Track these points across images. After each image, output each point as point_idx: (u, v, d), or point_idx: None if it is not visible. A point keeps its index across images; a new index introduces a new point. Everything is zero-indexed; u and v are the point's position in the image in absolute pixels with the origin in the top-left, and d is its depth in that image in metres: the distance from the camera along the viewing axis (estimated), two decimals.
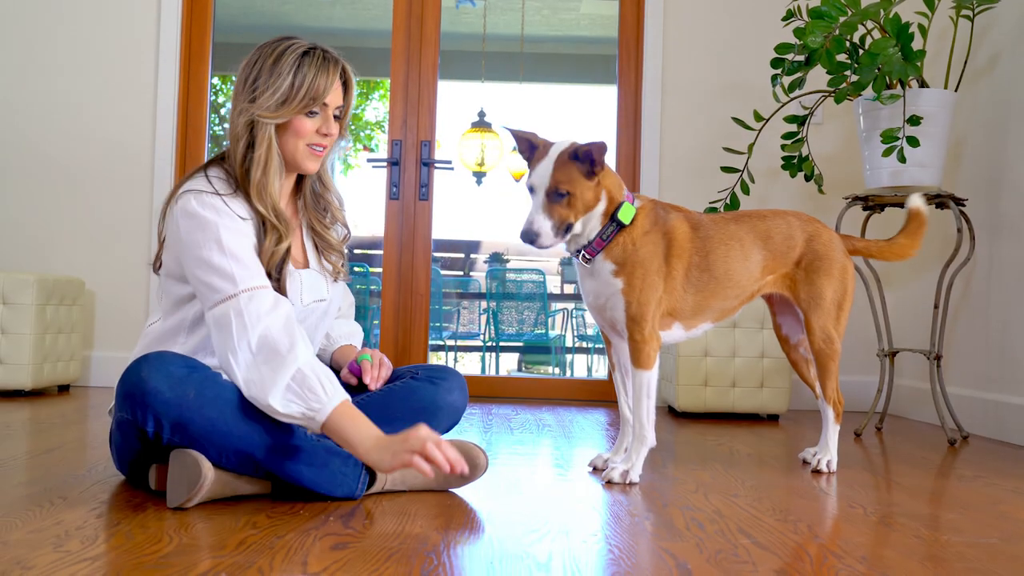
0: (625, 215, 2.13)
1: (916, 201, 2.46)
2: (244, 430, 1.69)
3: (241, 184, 1.84)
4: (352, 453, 1.73)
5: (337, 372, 2.10)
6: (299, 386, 1.67)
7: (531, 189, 2.09)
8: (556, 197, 2.05)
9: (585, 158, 2.05)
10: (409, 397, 1.95)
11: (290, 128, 1.84)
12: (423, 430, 1.69)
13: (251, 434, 1.69)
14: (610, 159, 4.19)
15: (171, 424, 1.66)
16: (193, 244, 1.76)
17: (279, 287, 1.83)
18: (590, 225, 2.13)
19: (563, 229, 2.07)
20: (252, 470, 1.73)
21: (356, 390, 2.02)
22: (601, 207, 2.12)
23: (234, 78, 1.91)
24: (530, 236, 2.04)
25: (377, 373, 2.01)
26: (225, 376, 1.75)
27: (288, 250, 1.85)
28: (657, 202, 2.23)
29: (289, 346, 1.69)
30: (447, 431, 2.05)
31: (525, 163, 2.16)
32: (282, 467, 1.72)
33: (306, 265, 1.96)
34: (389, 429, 1.90)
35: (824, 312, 2.30)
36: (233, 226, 1.77)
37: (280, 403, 1.66)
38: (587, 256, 2.15)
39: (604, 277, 2.15)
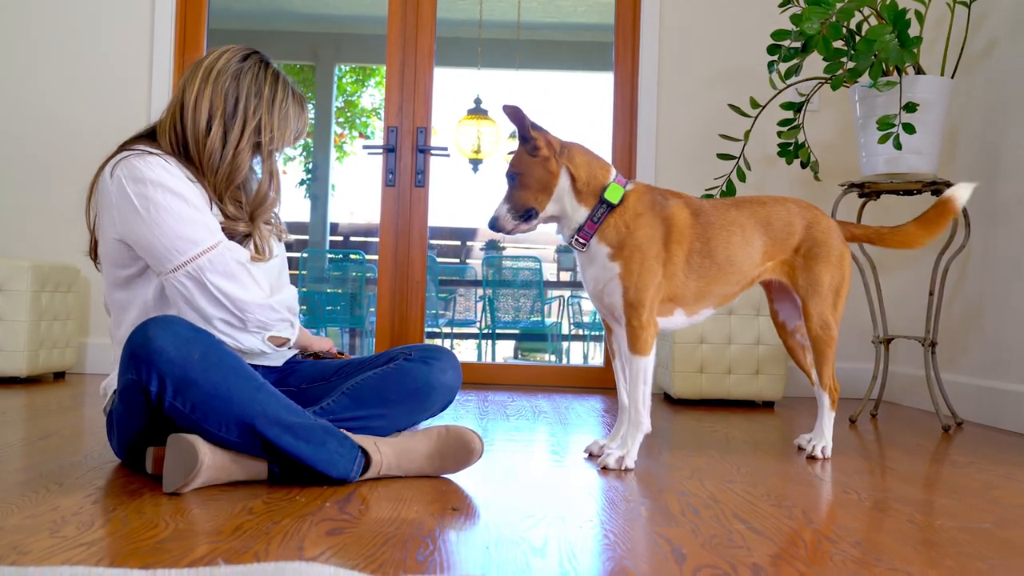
0: (612, 195, 2.14)
1: (961, 192, 2.33)
2: (246, 398, 1.69)
3: (230, 191, 1.94)
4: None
5: (315, 352, 2.24)
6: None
7: None
8: (511, 180, 2.16)
9: (522, 133, 2.13)
10: (403, 378, 1.96)
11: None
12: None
13: (252, 403, 1.69)
14: (606, 146, 4.20)
15: (175, 384, 1.66)
16: (153, 204, 1.79)
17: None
18: (568, 206, 2.16)
19: (523, 212, 2.15)
20: (251, 441, 1.72)
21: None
22: (564, 183, 2.15)
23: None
24: (490, 222, 2.18)
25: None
26: (228, 345, 1.77)
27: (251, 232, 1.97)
28: (653, 187, 2.23)
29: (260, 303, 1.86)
30: (442, 410, 2.06)
31: None
32: (281, 440, 1.71)
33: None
34: (385, 411, 1.93)
35: (822, 299, 2.31)
36: (185, 182, 1.85)
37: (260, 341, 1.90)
38: (581, 241, 2.16)
39: (601, 261, 2.15)
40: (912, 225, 2.40)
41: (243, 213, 1.94)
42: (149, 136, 1.96)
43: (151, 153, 1.85)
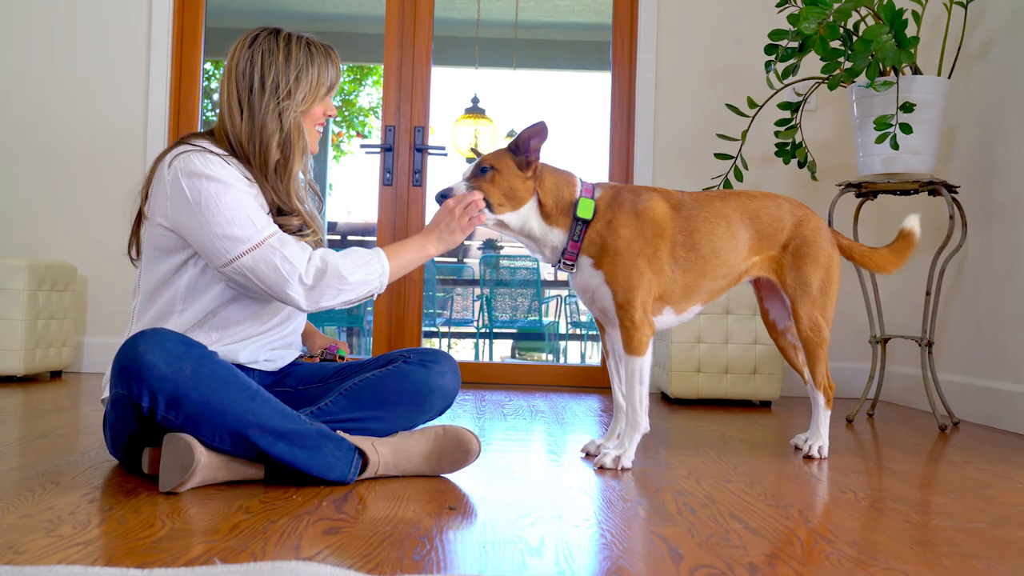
0: (584, 211, 2.13)
1: (913, 222, 2.44)
2: (238, 410, 1.69)
3: (270, 180, 1.91)
4: (425, 254, 2.01)
5: (321, 351, 2.22)
6: (356, 281, 1.85)
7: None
8: (480, 172, 2.12)
9: (523, 146, 2.09)
10: (402, 381, 1.96)
11: (308, 115, 1.96)
12: (442, 208, 2.04)
13: (245, 414, 1.69)
14: (603, 146, 4.20)
15: (166, 400, 1.66)
16: (203, 201, 1.79)
17: None
18: (536, 228, 2.14)
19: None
20: (245, 451, 1.72)
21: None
22: (531, 205, 2.13)
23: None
24: (443, 192, 2.12)
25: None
26: (221, 355, 1.76)
27: (305, 221, 1.95)
28: (622, 187, 2.21)
29: (331, 264, 1.83)
30: (440, 414, 2.05)
31: None
32: (275, 448, 1.72)
33: None
34: (382, 413, 1.93)
35: (811, 299, 2.30)
36: (241, 181, 1.84)
37: (351, 296, 1.88)
38: (568, 263, 2.16)
39: (587, 272, 2.15)
40: (886, 251, 2.45)
41: (298, 213, 1.93)
42: (209, 135, 1.95)
43: (212, 152, 1.84)
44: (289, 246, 1.81)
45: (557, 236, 2.15)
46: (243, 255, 1.78)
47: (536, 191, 2.13)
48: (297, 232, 1.92)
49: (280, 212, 1.91)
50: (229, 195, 1.79)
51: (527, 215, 2.14)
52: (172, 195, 1.81)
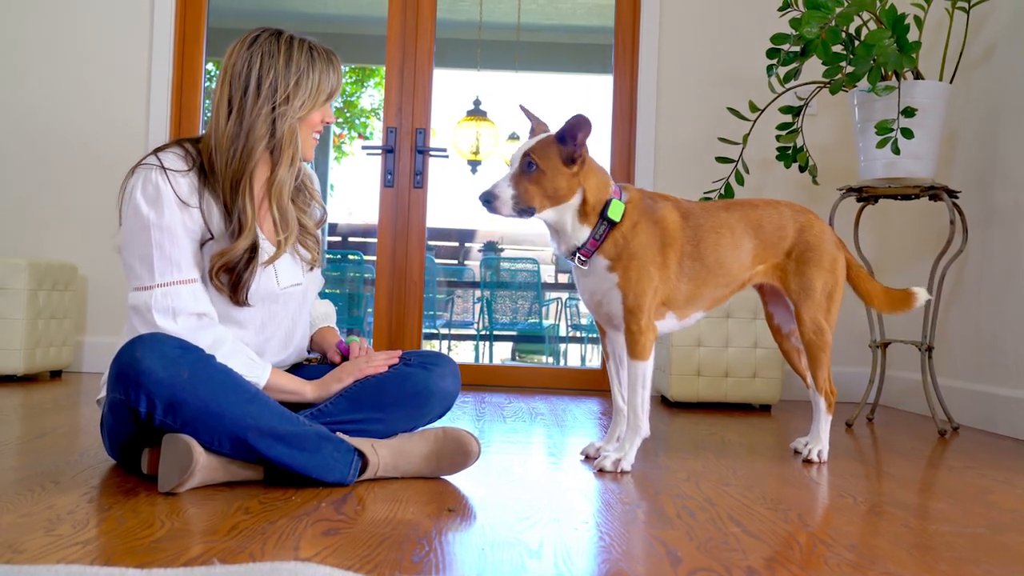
0: (615, 213, 2.11)
1: (920, 292, 2.41)
2: (237, 413, 1.69)
3: (230, 194, 1.83)
4: (301, 397, 1.91)
5: (321, 354, 2.14)
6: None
7: (511, 162, 2.10)
8: (527, 168, 2.05)
9: (569, 138, 2.04)
10: (403, 383, 1.96)
11: (305, 122, 1.90)
12: (351, 363, 1.98)
13: (244, 417, 1.69)
14: (605, 149, 4.21)
15: (164, 404, 1.66)
16: (127, 226, 1.80)
17: (241, 279, 1.83)
18: (569, 224, 2.11)
19: (524, 205, 2.05)
20: (244, 454, 1.73)
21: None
22: (575, 201, 2.09)
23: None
24: (487, 197, 2.03)
25: (363, 355, 2.03)
26: (218, 358, 1.76)
27: (256, 243, 1.84)
28: (644, 192, 2.22)
29: (218, 338, 1.81)
30: (440, 416, 2.05)
31: None
32: (274, 451, 1.72)
33: None
34: (382, 415, 1.93)
35: (815, 303, 2.30)
36: (168, 216, 1.78)
37: None
38: (583, 258, 2.14)
39: (600, 274, 2.14)
40: (882, 288, 2.44)
41: (251, 223, 1.82)
42: (195, 141, 1.90)
43: (170, 170, 1.80)
44: (174, 302, 1.77)
45: (583, 234, 2.12)
46: (132, 290, 1.80)
47: (582, 187, 2.09)
48: (244, 252, 1.82)
49: (240, 230, 1.82)
50: (148, 234, 1.77)
51: (565, 211, 2.10)
52: (121, 207, 1.83)
